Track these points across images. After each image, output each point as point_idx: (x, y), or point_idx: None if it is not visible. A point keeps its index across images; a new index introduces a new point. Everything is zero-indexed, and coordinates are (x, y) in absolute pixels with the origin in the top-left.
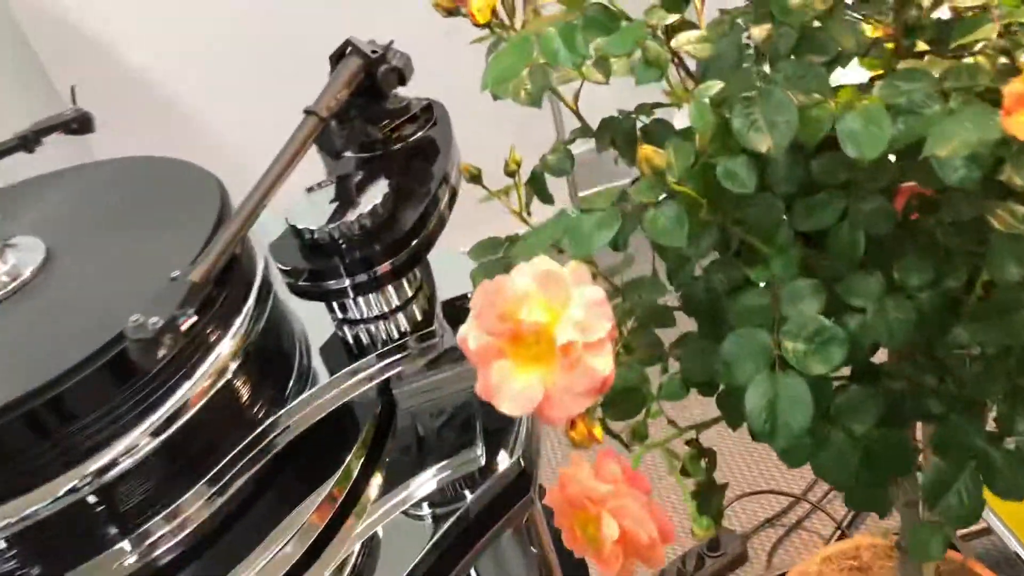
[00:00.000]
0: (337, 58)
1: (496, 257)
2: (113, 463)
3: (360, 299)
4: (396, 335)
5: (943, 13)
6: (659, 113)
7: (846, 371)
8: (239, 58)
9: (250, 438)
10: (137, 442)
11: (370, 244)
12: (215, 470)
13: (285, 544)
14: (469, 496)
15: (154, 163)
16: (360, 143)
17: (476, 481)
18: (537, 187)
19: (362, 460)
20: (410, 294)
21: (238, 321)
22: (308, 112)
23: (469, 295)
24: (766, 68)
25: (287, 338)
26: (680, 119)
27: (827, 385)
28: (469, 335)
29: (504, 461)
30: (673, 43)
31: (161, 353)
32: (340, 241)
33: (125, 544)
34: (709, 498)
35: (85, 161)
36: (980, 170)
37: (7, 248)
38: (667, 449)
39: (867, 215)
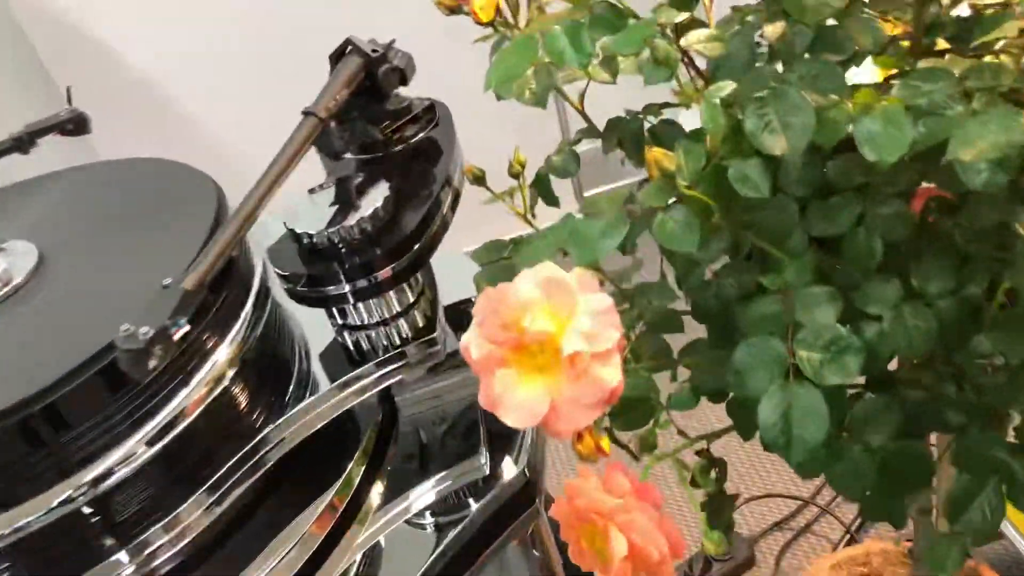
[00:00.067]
0: (337, 57)
1: (500, 260)
2: (108, 473)
3: (360, 305)
4: (398, 341)
5: (962, 10)
6: (666, 113)
7: (860, 379)
8: (237, 57)
9: (249, 447)
10: (133, 451)
11: (371, 248)
12: (214, 479)
13: (286, 554)
14: (473, 505)
15: (149, 165)
16: (360, 144)
17: (480, 489)
18: (542, 189)
19: (363, 468)
20: (412, 299)
21: (235, 327)
22: (307, 113)
23: (473, 299)
24: (778, 67)
25: (286, 344)
26: (688, 120)
27: (842, 395)
28: (472, 344)
29: (509, 470)
30: (683, 41)
31: (152, 364)
32: (340, 245)
33: (123, 555)
34: (720, 509)
35: (86, 162)
36: (1006, 174)
37: None
38: (677, 459)
39: (884, 220)
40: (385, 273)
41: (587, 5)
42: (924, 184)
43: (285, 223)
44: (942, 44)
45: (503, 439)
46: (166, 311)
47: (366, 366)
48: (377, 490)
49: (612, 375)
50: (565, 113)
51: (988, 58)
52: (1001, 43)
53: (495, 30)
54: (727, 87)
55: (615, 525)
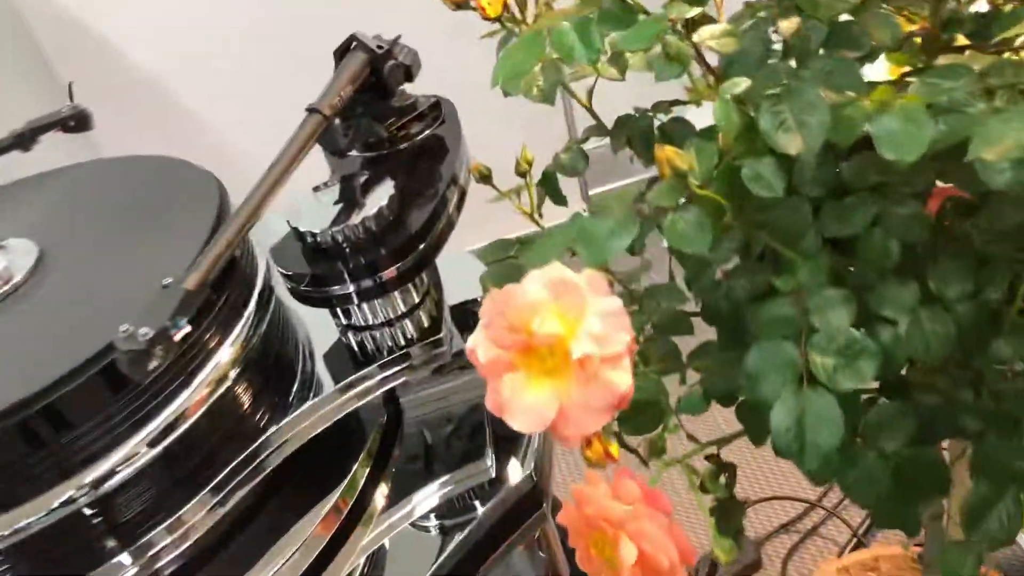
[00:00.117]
0: (341, 53)
1: (507, 260)
2: (110, 474)
3: (365, 305)
4: (403, 342)
5: (980, 6)
6: (676, 111)
7: (872, 384)
8: (241, 53)
9: (252, 447)
10: (134, 452)
11: (375, 248)
12: (217, 480)
13: (290, 557)
14: (479, 508)
15: (151, 162)
16: (365, 142)
17: (486, 492)
18: (549, 187)
19: (368, 470)
20: (417, 300)
21: (238, 327)
22: (311, 110)
23: (479, 299)
24: (791, 64)
25: (290, 344)
26: (697, 117)
27: (856, 400)
28: (478, 346)
29: (515, 472)
30: (696, 37)
31: (152, 365)
32: (344, 245)
33: (126, 556)
34: (729, 514)
35: (88, 159)
36: None
37: None
38: (687, 465)
39: (901, 220)
40: (390, 273)
41: (596, 1)
42: (939, 184)
43: (289, 221)
44: (960, 40)
45: (509, 441)
46: (167, 311)
47: (370, 368)
48: (382, 492)
49: (622, 379)
50: (571, 110)
51: (1007, 55)
52: (1022, 39)
53: (502, 26)
54: (741, 83)
55: (625, 533)
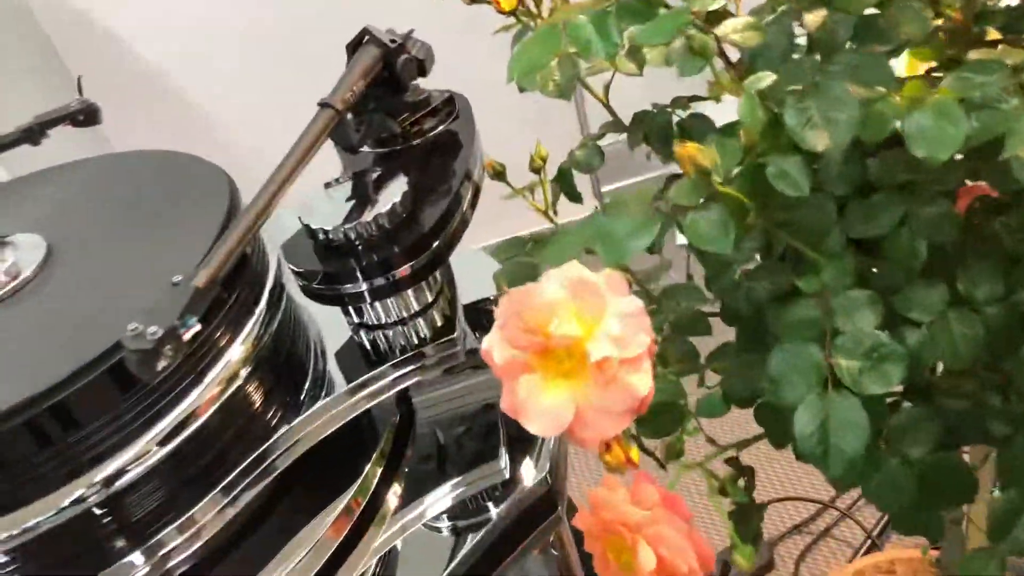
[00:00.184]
0: (354, 47)
1: (521, 259)
2: (119, 473)
3: (378, 304)
4: (416, 341)
5: None
6: (694, 107)
7: (896, 387)
8: (252, 47)
9: (264, 447)
10: (144, 451)
11: (388, 245)
12: (228, 480)
13: (302, 558)
14: (492, 509)
15: (161, 157)
16: (378, 137)
17: (499, 493)
18: (565, 184)
19: (380, 470)
20: (430, 298)
21: (249, 325)
22: (323, 104)
23: (492, 297)
24: (816, 58)
25: (301, 343)
26: (716, 114)
27: (882, 405)
28: (494, 348)
29: (529, 473)
30: (718, 30)
31: (161, 365)
32: (356, 242)
33: (137, 556)
34: (748, 518)
35: (97, 154)
36: None
37: (6, 245)
38: (706, 468)
39: (929, 220)
40: (403, 271)
41: None
42: (971, 184)
43: (300, 218)
44: (991, 35)
45: (524, 442)
46: (176, 309)
47: (383, 367)
48: (394, 493)
49: (643, 382)
50: (583, 106)
51: None
52: None
53: (517, 20)
54: (767, 78)
55: (643, 538)
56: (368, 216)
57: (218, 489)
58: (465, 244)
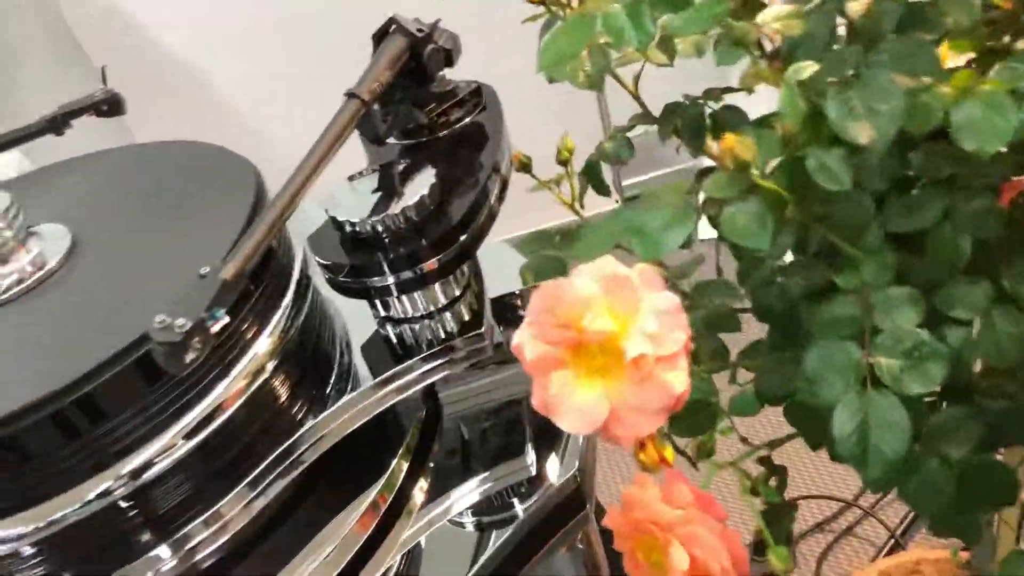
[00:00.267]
0: (380, 37)
1: (548, 253)
2: (146, 466)
3: (404, 297)
4: (442, 335)
5: None
6: (726, 99)
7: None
8: (278, 37)
9: (290, 441)
10: (171, 444)
11: (416, 238)
12: (255, 474)
13: (328, 553)
14: (518, 506)
15: (186, 148)
16: (404, 129)
17: (524, 490)
18: (592, 177)
19: (407, 465)
20: (458, 292)
21: (275, 318)
22: (349, 95)
23: (517, 291)
24: (859, 48)
25: (327, 336)
26: (748, 106)
27: (921, 404)
28: (525, 343)
29: (556, 469)
30: (759, 19)
31: (189, 357)
32: (384, 235)
33: (163, 549)
34: (780, 518)
35: (121, 144)
36: None
37: (31, 235)
38: (739, 468)
39: (973, 215)
40: (431, 264)
41: None
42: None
43: (327, 210)
44: None
45: (551, 438)
46: (204, 302)
47: (410, 362)
48: (421, 488)
49: (679, 380)
50: (605, 99)
51: None
52: None
53: (547, 9)
54: (808, 68)
55: (676, 537)
56: (396, 208)
57: (244, 483)
58: (489, 236)
